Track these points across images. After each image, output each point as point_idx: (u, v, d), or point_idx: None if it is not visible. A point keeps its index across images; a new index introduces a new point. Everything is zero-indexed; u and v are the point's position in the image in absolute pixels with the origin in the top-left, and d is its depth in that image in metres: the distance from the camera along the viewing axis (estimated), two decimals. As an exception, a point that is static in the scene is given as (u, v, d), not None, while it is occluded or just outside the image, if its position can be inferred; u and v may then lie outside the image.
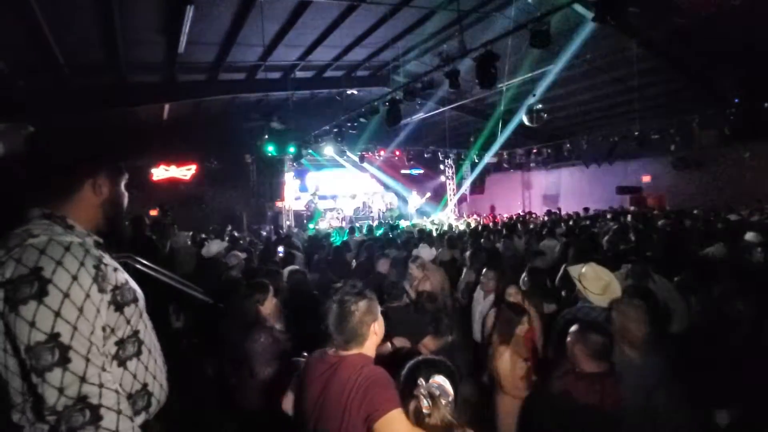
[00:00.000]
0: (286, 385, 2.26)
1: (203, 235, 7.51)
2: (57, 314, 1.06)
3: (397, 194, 16.66)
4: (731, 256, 4.48)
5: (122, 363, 1.24)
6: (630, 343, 2.26)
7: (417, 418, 1.35)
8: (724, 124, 10.26)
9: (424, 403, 1.33)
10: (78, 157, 1.32)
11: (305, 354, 2.60)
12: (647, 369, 2.17)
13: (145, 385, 1.29)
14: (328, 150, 13.73)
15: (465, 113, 13.60)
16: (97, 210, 1.32)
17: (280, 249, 6.60)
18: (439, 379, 1.39)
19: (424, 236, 7.56)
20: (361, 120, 9.70)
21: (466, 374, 3.35)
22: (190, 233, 7.55)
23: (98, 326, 1.14)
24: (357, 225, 12.18)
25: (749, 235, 5.08)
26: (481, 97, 11.64)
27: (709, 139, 11.32)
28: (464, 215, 16.63)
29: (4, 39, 6.20)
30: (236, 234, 9.88)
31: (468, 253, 5.12)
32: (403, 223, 13.65)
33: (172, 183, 13.11)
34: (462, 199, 18.21)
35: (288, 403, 1.82)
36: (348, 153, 14.89)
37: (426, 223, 13.22)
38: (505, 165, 16.41)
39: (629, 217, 9.38)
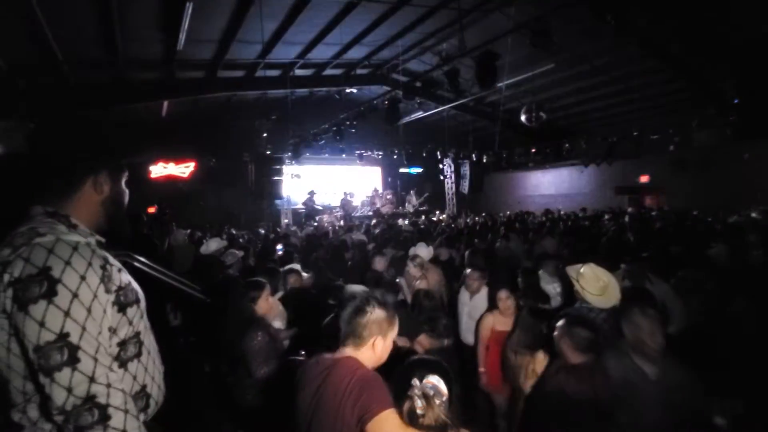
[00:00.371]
0: (284, 384, 2.26)
1: (199, 234, 7.49)
2: (66, 314, 1.07)
3: (396, 193, 16.63)
4: (733, 257, 4.47)
5: (123, 364, 1.24)
6: (644, 355, 2.12)
7: (411, 418, 1.35)
8: (723, 124, 10.27)
9: (418, 403, 1.33)
10: (78, 155, 1.32)
11: (302, 352, 2.61)
12: (666, 384, 2.06)
13: (144, 387, 1.29)
14: (327, 148, 13.70)
15: (464, 112, 13.60)
16: (98, 208, 1.32)
17: (279, 247, 6.60)
18: (434, 380, 1.39)
19: (422, 235, 7.56)
20: (360, 118, 9.70)
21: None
22: (188, 231, 7.54)
23: (105, 327, 1.15)
24: (355, 224, 12.16)
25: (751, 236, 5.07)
26: (480, 96, 11.63)
27: (708, 140, 11.32)
28: (462, 214, 16.63)
29: (2, 36, 6.17)
30: (234, 232, 9.87)
31: (467, 253, 5.13)
32: (401, 222, 13.65)
33: (170, 180, 13.06)
34: (460, 198, 18.21)
35: None
36: (347, 151, 14.87)
37: (424, 222, 13.22)
38: (504, 164, 16.40)
39: (627, 218, 9.39)
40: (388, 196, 15.80)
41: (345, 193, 15.37)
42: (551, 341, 2.36)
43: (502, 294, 3.28)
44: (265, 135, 12.20)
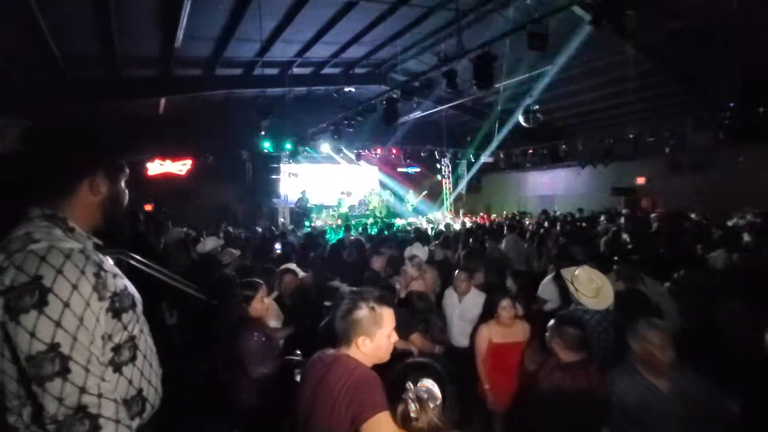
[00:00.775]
0: (280, 384, 2.26)
1: (193, 234, 7.46)
2: (57, 324, 1.06)
3: (394, 192, 16.64)
4: (730, 260, 4.49)
5: (118, 368, 1.23)
6: (655, 370, 2.05)
7: (404, 421, 1.35)
8: (718, 127, 10.35)
9: (412, 407, 1.33)
10: (73, 156, 1.30)
11: (298, 352, 2.61)
12: (677, 397, 2.00)
13: (140, 391, 1.29)
14: (325, 147, 13.70)
15: (462, 112, 13.62)
16: (95, 209, 1.31)
17: (277, 246, 6.60)
18: (428, 383, 1.39)
19: (419, 235, 7.58)
20: (359, 118, 9.70)
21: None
22: (184, 229, 7.52)
23: (98, 335, 1.15)
24: (353, 223, 12.18)
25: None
26: (478, 97, 11.65)
27: (704, 142, 11.40)
28: (460, 214, 16.66)
29: (-2, 31, 6.14)
30: (231, 230, 9.85)
31: (463, 254, 5.14)
32: (399, 222, 13.68)
33: (167, 178, 13.01)
34: (458, 199, 18.25)
35: None
36: (345, 150, 14.87)
37: (422, 222, 13.25)
38: (502, 165, 16.45)
39: (622, 220, 9.43)
40: (387, 196, 15.84)
41: (342, 192, 15.40)
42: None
43: (505, 303, 3.09)
44: (262, 133, 12.16)
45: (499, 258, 5.81)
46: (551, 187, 17.00)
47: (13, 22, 6.05)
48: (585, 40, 7.92)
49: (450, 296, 3.85)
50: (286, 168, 14.84)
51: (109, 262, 1.32)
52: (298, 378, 2.32)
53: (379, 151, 15.45)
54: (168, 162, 13.10)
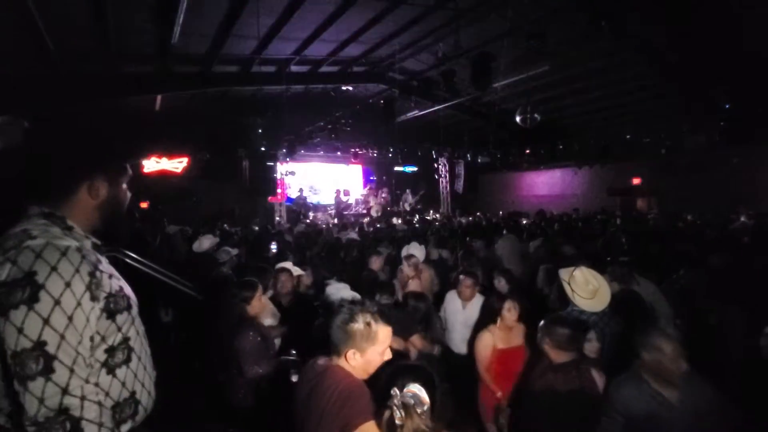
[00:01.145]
0: (275, 384, 2.25)
1: (190, 231, 7.43)
2: (46, 322, 1.05)
3: (391, 191, 16.64)
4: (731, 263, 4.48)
5: (111, 370, 1.22)
6: (665, 381, 1.98)
7: (390, 429, 1.33)
8: (714, 129, 10.41)
9: (397, 414, 1.31)
10: (70, 160, 1.29)
11: (293, 352, 2.61)
12: (686, 409, 1.94)
13: (133, 393, 1.27)
14: (322, 145, 13.67)
15: (460, 112, 13.61)
16: (94, 211, 1.30)
17: (273, 245, 6.57)
18: (415, 388, 1.37)
19: (416, 234, 7.58)
20: (356, 116, 9.68)
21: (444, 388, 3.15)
22: (179, 228, 7.49)
23: (86, 336, 1.13)
24: (350, 221, 12.16)
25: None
26: (476, 97, 11.65)
27: (699, 144, 11.47)
28: (456, 214, 16.68)
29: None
30: (227, 228, 9.82)
31: (460, 254, 5.14)
32: (396, 221, 13.67)
33: (163, 175, 12.93)
34: (455, 198, 18.27)
35: None
36: (342, 149, 14.84)
37: (418, 222, 13.25)
38: (499, 165, 16.49)
39: (618, 221, 9.48)
40: (383, 195, 15.80)
41: (338, 191, 15.37)
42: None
43: (509, 304, 2.98)
44: (260, 131, 12.11)
45: (486, 257, 5.67)
46: (548, 188, 17.06)
47: (8, 16, 5.98)
48: (583, 41, 7.94)
49: (453, 301, 3.69)
50: (283, 166, 14.80)
51: (106, 262, 1.30)
52: (293, 378, 2.32)
53: (376, 150, 15.42)
54: (164, 159, 13.01)
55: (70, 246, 1.15)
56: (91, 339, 1.15)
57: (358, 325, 1.54)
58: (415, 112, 11.92)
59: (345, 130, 10.86)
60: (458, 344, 3.55)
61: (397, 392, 1.35)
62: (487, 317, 3.10)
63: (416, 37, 9.09)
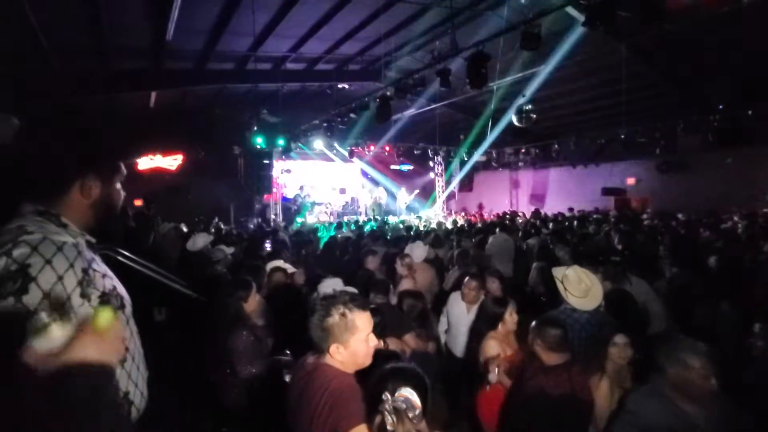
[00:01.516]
0: (268, 383, 2.24)
1: (185, 229, 7.38)
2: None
3: (386, 190, 16.65)
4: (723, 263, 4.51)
5: None
6: (689, 398, 1.82)
7: None
8: (708, 129, 10.49)
9: (389, 419, 1.29)
10: (64, 159, 1.28)
11: (287, 351, 2.60)
12: (711, 429, 1.81)
13: (126, 394, 1.26)
14: (318, 144, 13.64)
15: (455, 111, 13.63)
16: (87, 210, 1.29)
17: (267, 243, 6.56)
18: (406, 392, 1.34)
19: (412, 233, 7.58)
20: (352, 114, 9.66)
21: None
22: (173, 225, 7.44)
23: None
24: (345, 220, 12.15)
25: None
26: (471, 95, 11.67)
27: (693, 144, 11.56)
28: (452, 212, 16.72)
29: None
30: (222, 226, 9.78)
31: (456, 253, 5.14)
32: (392, 219, 13.69)
33: (158, 173, 12.85)
34: (450, 197, 18.31)
35: None
36: (337, 147, 14.82)
37: (413, 220, 13.27)
38: (494, 163, 16.54)
39: (612, 220, 9.53)
40: (379, 193, 15.82)
41: (334, 189, 15.35)
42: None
43: (511, 308, 2.89)
44: (255, 129, 12.05)
45: (475, 256, 5.52)
46: (543, 186, 17.13)
47: (0, 12, 5.90)
48: (578, 41, 7.97)
49: (457, 304, 3.57)
50: (279, 164, 14.76)
51: (99, 261, 1.30)
52: (287, 378, 2.31)
53: (371, 148, 15.42)
54: (159, 157, 12.93)
55: (67, 241, 1.15)
56: None
57: (334, 319, 1.52)
58: (411, 111, 11.91)
59: (340, 128, 10.82)
60: (463, 349, 3.41)
61: (389, 397, 1.33)
62: (487, 323, 2.92)
63: (412, 35, 9.08)
